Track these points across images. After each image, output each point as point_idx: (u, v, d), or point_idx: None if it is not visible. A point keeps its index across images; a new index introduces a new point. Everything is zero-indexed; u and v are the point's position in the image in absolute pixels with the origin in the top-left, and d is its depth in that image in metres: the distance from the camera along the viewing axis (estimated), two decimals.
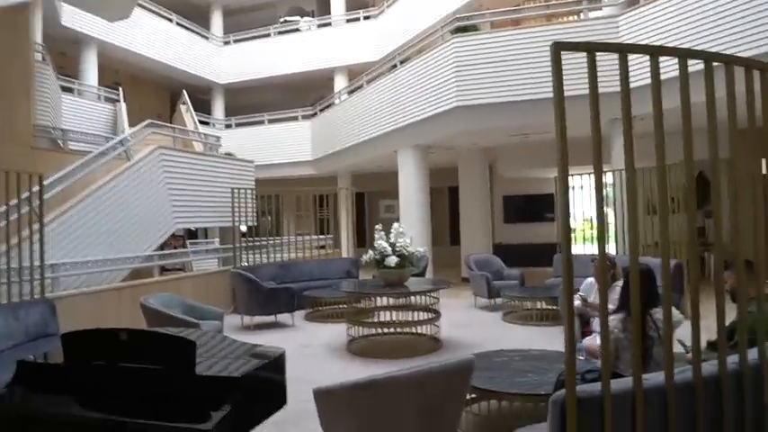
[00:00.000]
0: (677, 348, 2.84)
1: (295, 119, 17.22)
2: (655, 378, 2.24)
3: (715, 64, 2.36)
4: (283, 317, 8.19)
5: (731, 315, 2.49)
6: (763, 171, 2.86)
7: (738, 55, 2.77)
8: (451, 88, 9.65)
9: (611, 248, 8.39)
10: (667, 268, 2.28)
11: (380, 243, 6.45)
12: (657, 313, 3.14)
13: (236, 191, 10.09)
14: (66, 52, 14.40)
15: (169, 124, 13.70)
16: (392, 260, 6.31)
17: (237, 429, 2.54)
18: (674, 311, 2.95)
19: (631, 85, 2.24)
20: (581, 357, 4.14)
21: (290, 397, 3.21)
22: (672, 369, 2.20)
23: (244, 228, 10.87)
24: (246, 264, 9.83)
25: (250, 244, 10.44)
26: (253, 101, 18.95)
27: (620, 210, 8.58)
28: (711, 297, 2.42)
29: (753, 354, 2.45)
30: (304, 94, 18.62)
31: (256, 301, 7.89)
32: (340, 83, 17.06)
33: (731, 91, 2.37)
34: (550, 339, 6.12)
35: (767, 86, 2.56)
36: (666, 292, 2.32)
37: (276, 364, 2.99)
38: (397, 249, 6.40)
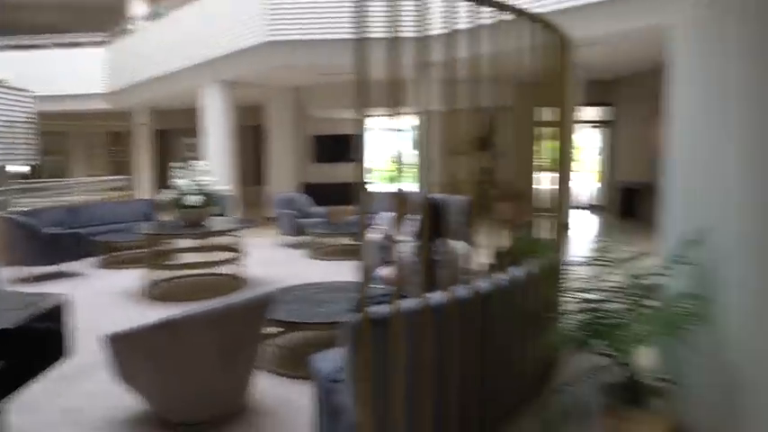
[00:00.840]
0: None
1: (84, 44, 15.12)
2: (437, 297, 2.49)
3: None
4: (71, 265, 7.42)
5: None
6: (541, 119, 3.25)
7: (542, 11, 3.03)
8: (262, 22, 9.24)
9: (414, 186, 8.94)
10: (460, 203, 2.53)
11: (179, 182, 6.10)
12: (445, 241, 3.45)
13: (9, 125, 8.68)
14: None
15: None
16: (191, 199, 6.02)
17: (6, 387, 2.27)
18: (461, 243, 3.28)
19: (434, 32, 2.33)
20: (379, 286, 4.41)
21: (81, 349, 2.96)
22: (452, 289, 2.46)
23: (25, 168, 9.46)
24: (25, 209, 8.61)
25: (29, 186, 9.16)
26: (31, 21, 16.23)
27: (421, 150, 9.12)
28: (494, 228, 2.76)
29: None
30: (96, 17, 16.36)
31: (35, 248, 6.96)
32: (137, 7, 15.29)
33: (519, 43, 2.62)
34: (353, 272, 6.41)
35: (548, 41, 2.87)
36: (458, 223, 2.58)
37: (53, 313, 2.70)
38: (199, 188, 6.11)
